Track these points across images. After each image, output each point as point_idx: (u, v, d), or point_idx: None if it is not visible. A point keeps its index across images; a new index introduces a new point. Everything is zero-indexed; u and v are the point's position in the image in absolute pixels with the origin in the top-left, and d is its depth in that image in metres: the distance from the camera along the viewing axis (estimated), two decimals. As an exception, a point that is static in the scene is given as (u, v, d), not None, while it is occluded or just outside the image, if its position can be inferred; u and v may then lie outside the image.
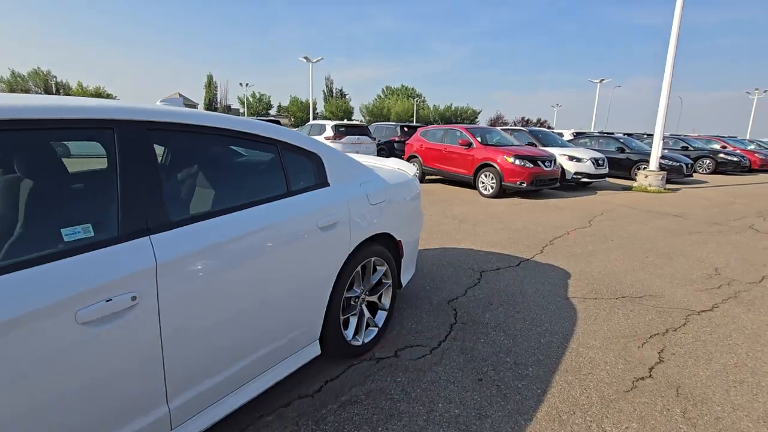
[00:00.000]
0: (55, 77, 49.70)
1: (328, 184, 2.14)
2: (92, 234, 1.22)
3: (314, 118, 41.19)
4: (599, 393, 2.18)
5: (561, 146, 10.83)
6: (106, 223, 1.26)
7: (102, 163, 1.40)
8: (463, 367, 2.37)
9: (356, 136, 12.56)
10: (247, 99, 57.54)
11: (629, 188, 10.46)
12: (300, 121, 56.12)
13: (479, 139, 9.21)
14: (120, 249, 1.24)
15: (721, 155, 15.40)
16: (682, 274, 4.08)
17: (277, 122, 13.89)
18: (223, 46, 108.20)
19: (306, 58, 30.69)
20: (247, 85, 54.26)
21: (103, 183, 1.34)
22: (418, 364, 2.39)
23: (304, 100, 63.87)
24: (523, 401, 2.09)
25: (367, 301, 2.50)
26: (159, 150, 1.50)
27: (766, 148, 18.96)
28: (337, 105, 63.44)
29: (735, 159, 15.26)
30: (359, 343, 2.39)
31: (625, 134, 19.43)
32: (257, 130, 1.84)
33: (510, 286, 3.61)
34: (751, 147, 18.47)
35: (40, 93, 47.60)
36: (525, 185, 8.14)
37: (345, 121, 16.79)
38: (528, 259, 4.38)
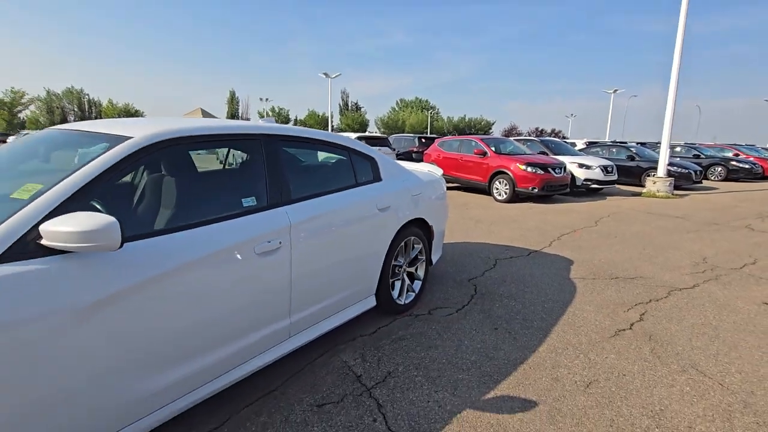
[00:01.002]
0: (88, 95, 52.52)
1: (381, 179, 2.90)
2: (255, 203, 2.00)
3: (332, 131, 42.44)
4: (588, 337, 2.85)
5: (572, 155, 11.44)
6: (261, 197, 2.04)
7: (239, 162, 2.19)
8: (483, 321, 3.07)
9: (377, 147, 13.38)
10: (267, 113, 59.51)
11: (638, 194, 10.97)
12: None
13: (493, 148, 9.92)
14: (270, 213, 2.02)
15: (733, 163, 15.71)
16: (673, 262, 4.69)
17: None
18: (241, 62, 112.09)
19: (325, 74, 32.03)
20: (266, 99, 56.31)
21: (257, 173, 2.11)
22: (447, 318, 3.10)
23: (320, 114, 65.70)
24: (528, 341, 2.77)
25: (407, 271, 3.23)
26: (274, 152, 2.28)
27: (781, 156, 19.07)
28: (353, 118, 64.98)
29: (747, 166, 15.54)
30: (402, 303, 3.12)
31: (639, 143, 19.87)
32: (337, 140, 2.63)
33: (521, 270, 4.29)
34: (767, 155, 18.64)
35: (75, 110, 50.23)
36: (537, 190, 8.79)
37: (367, 134, 17.68)
38: (537, 251, 5.05)
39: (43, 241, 1.28)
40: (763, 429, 1.97)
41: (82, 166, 1.48)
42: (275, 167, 2.13)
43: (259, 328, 1.98)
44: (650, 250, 5.17)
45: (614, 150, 13.98)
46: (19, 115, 59.12)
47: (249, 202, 1.97)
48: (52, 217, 1.31)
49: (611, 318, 3.17)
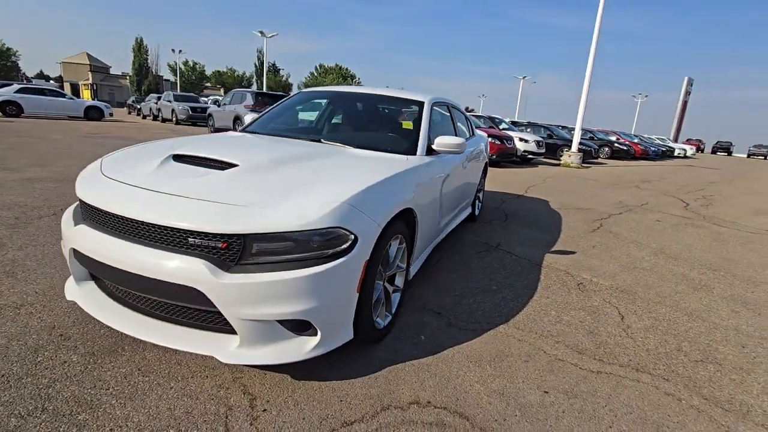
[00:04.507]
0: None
1: (475, 135, 4.66)
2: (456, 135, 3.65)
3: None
4: (581, 231, 5.04)
5: (510, 130, 14.10)
6: (459, 134, 3.69)
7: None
8: (522, 225, 5.08)
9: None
10: (180, 67, 54.46)
11: (557, 165, 14.11)
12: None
13: (458, 121, 12.01)
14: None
15: (616, 145, 20.20)
16: (605, 202, 7.27)
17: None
18: (140, 5, 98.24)
19: (261, 32, 31.01)
20: (180, 51, 51.39)
21: (448, 122, 3.73)
22: (501, 224, 5.05)
23: (241, 72, 62.03)
24: (552, 235, 4.85)
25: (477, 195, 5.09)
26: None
27: (645, 142, 24.63)
28: (276, 81, 62.69)
29: (625, 148, 20.15)
30: (476, 214, 4.99)
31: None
32: (462, 109, 4.32)
33: (521, 204, 6.42)
34: (636, 140, 23.95)
35: None
36: (495, 157, 11.14)
37: (265, 91, 17.95)
38: (521, 195, 7.27)
39: (433, 146, 2.83)
40: (671, 262, 4.29)
41: (421, 115, 3.01)
42: (452, 121, 3.79)
43: (456, 207, 3.68)
44: (587, 197, 7.74)
45: (532, 129, 17.17)
46: None
47: (464, 134, 3.64)
48: (433, 137, 2.86)
49: (586, 224, 5.44)
